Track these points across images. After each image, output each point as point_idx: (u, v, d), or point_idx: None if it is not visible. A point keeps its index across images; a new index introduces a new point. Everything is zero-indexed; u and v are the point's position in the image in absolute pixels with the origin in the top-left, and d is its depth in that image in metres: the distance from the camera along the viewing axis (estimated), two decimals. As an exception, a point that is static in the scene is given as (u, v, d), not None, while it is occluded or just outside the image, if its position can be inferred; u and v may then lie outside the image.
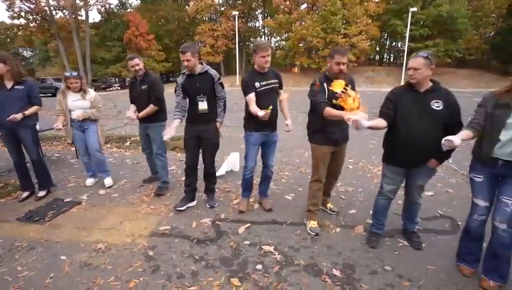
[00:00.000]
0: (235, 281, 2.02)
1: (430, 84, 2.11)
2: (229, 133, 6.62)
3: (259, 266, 2.17)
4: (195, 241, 2.52)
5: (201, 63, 2.86)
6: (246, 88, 2.66)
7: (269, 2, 34.06)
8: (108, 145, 5.90)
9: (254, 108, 2.56)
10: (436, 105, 2.07)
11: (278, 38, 40.17)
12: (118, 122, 9.18)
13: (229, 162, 4.20)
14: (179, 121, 3.01)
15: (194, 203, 3.21)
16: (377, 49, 41.21)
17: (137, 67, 3.28)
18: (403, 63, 27.49)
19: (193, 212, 3.06)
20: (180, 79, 2.88)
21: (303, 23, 28.95)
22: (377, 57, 43.34)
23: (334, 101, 2.31)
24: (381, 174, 2.45)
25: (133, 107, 3.50)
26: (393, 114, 2.16)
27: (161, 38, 35.56)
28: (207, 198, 3.26)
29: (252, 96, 2.62)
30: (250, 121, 2.78)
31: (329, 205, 3.00)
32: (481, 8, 30.02)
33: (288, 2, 32.30)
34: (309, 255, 2.30)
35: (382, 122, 2.17)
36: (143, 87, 3.37)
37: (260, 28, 42.60)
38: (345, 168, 4.38)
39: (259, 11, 42.05)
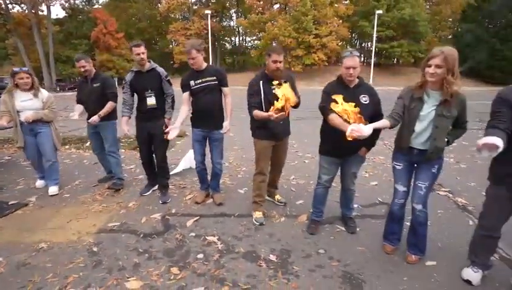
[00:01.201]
0: (174, 270, 2.09)
1: (357, 80, 2.31)
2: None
3: (200, 255, 2.26)
4: (141, 235, 2.57)
5: (149, 61, 2.93)
6: (181, 88, 2.83)
7: (242, 2, 34.14)
8: (67, 147, 5.72)
9: (183, 109, 2.81)
10: (364, 99, 2.27)
11: (253, 37, 40.36)
12: (81, 123, 8.84)
13: (187, 159, 4.25)
14: (127, 119, 3.06)
15: (156, 187, 3.45)
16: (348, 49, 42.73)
17: (82, 70, 3.25)
18: (371, 62, 28.81)
19: (144, 208, 3.09)
20: (128, 76, 2.93)
21: (275, 23, 29.35)
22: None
23: (270, 98, 2.47)
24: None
25: (79, 108, 3.45)
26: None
27: (132, 37, 34.37)
28: (160, 194, 3.31)
29: (184, 95, 2.80)
30: (192, 118, 2.96)
31: (277, 197, 3.16)
32: (439, 13, 32.24)
33: (261, 2, 32.60)
34: (250, 244, 2.43)
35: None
36: (95, 85, 3.35)
37: (234, 27, 42.54)
38: (301, 162, 4.62)
39: (233, 10, 42.05)
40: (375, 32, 27.59)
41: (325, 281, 2.00)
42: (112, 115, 3.43)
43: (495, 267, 2.09)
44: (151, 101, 2.93)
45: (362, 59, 40.85)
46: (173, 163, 4.41)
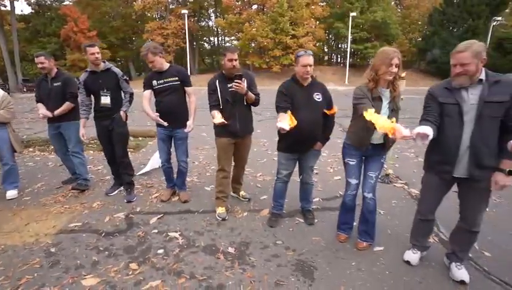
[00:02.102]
0: (133, 265, 2.13)
1: (310, 79, 2.45)
2: (196, 132, 6.60)
3: (160, 251, 2.31)
4: (103, 234, 2.57)
5: (104, 62, 2.96)
6: (143, 86, 2.91)
7: (220, 2, 34.00)
8: (31, 149, 5.50)
9: (145, 105, 2.90)
10: (317, 97, 2.41)
11: (231, 38, 40.30)
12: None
13: (155, 159, 4.25)
14: (85, 121, 3.12)
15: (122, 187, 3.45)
16: (325, 50, 43.73)
17: (40, 66, 3.18)
18: (346, 63, 29.71)
19: (109, 208, 3.08)
20: (82, 77, 2.93)
21: (253, 23, 29.52)
22: (326, 58, 45.97)
23: (228, 98, 2.58)
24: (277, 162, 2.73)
25: (41, 106, 3.37)
26: (290, 105, 2.38)
27: (105, 36, 33.29)
28: (125, 193, 3.31)
29: (145, 93, 2.90)
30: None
31: (241, 193, 3.25)
32: (409, 16, 33.86)
33: (239, 2, 32.65)
34: (211, 238, 2.50)
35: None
36: (55, 84, 3.29)
37: (213, 27, 42.28)
38: (270, 160, 4.74)
39: (211, 10, 41.76)
40: (349, 34, 28.51)
41: (279, 269, 2.11)
42: (74, 115, 3.37)
43: (433, 249, 2.30)
44: (105, 100, 2.99)
45: (338, 60, 42.17)
46: (143, 163, 4.40)
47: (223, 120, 2.47)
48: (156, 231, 2.61)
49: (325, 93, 2.44)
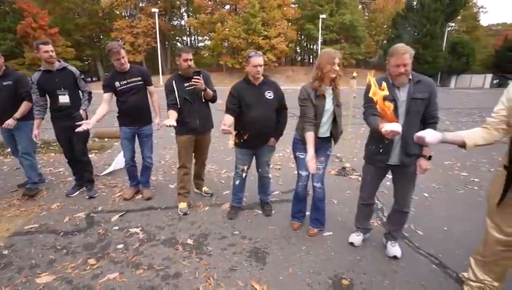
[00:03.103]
0: (91, 261, 2.17)
1: (262, 78, 2.62)
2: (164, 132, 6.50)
3: (120, 246, 2.37)
4: (62, 234, 2.56)
5: (59, 61, 2.93)
6: (103, 88, 2.92)
7: (192, 1, 33.60)
8: (-16, 153, 5.20)
9: (103, 106, 2.89)
10: (269, 95, 2.59)
11: (205, 38, 39.99)
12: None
13: (119, 160, 4.22)
14: (39, 121, 3.07)
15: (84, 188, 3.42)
16: (298, 50, 44.79)
17: None
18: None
19: (69, 208, 3.05)
20: (35, 76, 2.89)
21: (225, 23, 29.54)
22: (299, 58, 47.06)
23: (186, 97, 2.68)
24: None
25: None
26: (238, 108, 2.56)
27: (70, 33, 31.62)
28: (86, 190, 3.30)
29: (105, 96, 2.90)
30: (119, 118, 3.04)
31: (204, 189, 3.37)
32: (375, 20, 35.70)
33: (210, 2, 32.49)
34: (171, 231, 2.60)
35: (230, 119, 2.54)
36: (5, 83, 3.17)
37: (186, 27, 41.63)
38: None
39: (183, 9, 41.11)
40: (320, 35, 29.52)
41: (234, 256, 2.26)
42: (26, 116, 3.28)
43: (375, 231, 2.57)
44: (64, 99, 2.96)
45: (311, 60, 43.30)
46: (108, 164, 4.36)
47: (173, 123, 2.50)
48: (117, 227, 2.65)
49: (277, 91, 2.62)
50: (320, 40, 29.99)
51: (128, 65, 2.96)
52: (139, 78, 2.97)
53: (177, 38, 42.24)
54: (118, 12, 33.73)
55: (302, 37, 38.99)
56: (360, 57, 32.16)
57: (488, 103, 13.18)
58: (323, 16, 29.00)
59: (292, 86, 28.66)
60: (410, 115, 2.00)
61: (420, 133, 1.60)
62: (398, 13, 31.00)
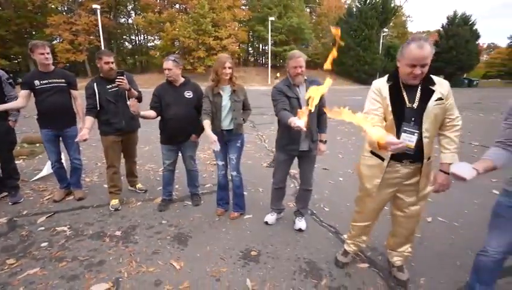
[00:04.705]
0: (10, 261, 2.21)
1: (183, 79, 2.88)
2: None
3: (44, 244, 2.44)
4: (-22, 240, 2.52)
5: None
6: (21, 85, 2.90)
7: (138, -2, 32.19)
8: None
9: (20, 100, 2.88)
10: (188, 94, 2.85)
11: (154, 37, 38.46)
12: None
13: (50, 164, 4.12)
14: None
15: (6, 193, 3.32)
16: (251, 51, 45.55)
17: None
18: (268, 64, 31.70)
19: (-10, 215, 2.97)
20: None
21: (174, 23, 28.90)
22: (252, 59, 47.85)
23: (110, 99, 2.83)
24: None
25: None
26: (159, 106, 2.80)
27: (-8, 28, 28.01)
28: (9, 196, 3.23)
29: (22, 92, 2.89)
30: (39, 120, 3.04)
31: (138, 185, 3.52)
32: (320, 23, 38.02)
33: (158, 1, 31.47)
34: (100, 226, 2.73)
35: (152, 113, 2.79)
36: None
37: (134, 25, 39.51)
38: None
39: (130, 6, 39.00)
40: (269, 37, 30.50)
41: (158, 242, 2.49)
42: None
43: (287, 211, 2.99)
44: None
45: (263, 61, 44.45)
46: (38, 169, 4.22)
47: (86, 137, 2.67)
48: (42, 228, 2.69)
49: (196, 91, 2.90)
50: (270, 42, 31.00)
51: (53, 67, 2.98)
52: (63, 80, 3.00)
53: (124, 37, 39.96)
54: (52, 7, 30.69)
55: (254, 38, 39.83)
56: (308, 58, 34.03)
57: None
58: (272, 18, 30.03)
59: (245, 86, 29.29)
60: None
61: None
62: (340, 18, 33.52)
